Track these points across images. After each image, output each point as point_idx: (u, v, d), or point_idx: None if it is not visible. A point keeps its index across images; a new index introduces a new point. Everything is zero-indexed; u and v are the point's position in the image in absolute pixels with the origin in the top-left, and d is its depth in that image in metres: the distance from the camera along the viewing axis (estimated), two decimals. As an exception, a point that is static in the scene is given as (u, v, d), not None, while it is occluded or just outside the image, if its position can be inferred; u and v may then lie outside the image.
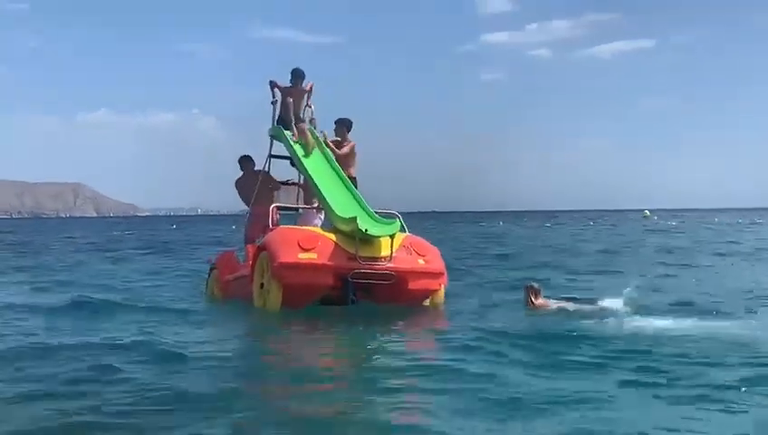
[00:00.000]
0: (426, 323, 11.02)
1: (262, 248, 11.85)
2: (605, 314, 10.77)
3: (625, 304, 11.32)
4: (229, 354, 8.69)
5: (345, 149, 13.34)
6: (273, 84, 13.50)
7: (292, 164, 13.48)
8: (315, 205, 13.18)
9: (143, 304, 12.74)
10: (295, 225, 12.85)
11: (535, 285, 12.05)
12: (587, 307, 11.40)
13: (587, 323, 10.04)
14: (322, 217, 13.01)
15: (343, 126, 13.51)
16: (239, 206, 13.95)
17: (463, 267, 19.19)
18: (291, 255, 11.28)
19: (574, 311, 11.27)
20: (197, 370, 7.66)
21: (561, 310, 11.40)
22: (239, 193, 13.76)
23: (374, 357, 8.72)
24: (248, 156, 13.94)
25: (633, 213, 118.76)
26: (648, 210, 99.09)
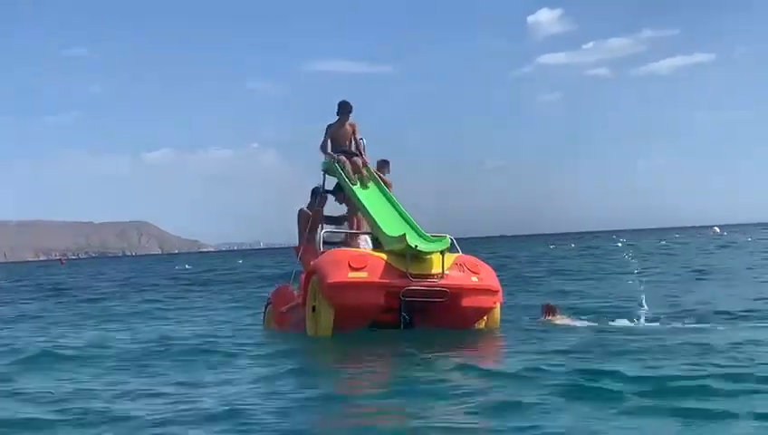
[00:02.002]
0: (481, 349, 10.65)
1: (312, 272, 11.68)
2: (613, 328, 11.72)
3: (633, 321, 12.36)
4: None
5: (387, 180, 13.36)
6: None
7: (338, 200, 13.35)
8: (363, 230, 12.97)
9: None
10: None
11: (552, 304, 13.42)
12: (594, 325, 12.21)
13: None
14: (369, 241, 12.76)
15: (384, 166, 13.54)
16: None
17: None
18: (341, 274, 11.11)
19: (579, 326, 12.22)
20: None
21: (567, 326, 12.34)
22: (298, 220, 13.45)
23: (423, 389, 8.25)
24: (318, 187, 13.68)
25: (702, 229, 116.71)
26: (718, 226, 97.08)
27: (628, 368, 7.88)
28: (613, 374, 7.57)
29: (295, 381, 8.42)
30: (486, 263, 12.26)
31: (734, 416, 5.95)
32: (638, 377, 7.45)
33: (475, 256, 12.38)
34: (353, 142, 13.41)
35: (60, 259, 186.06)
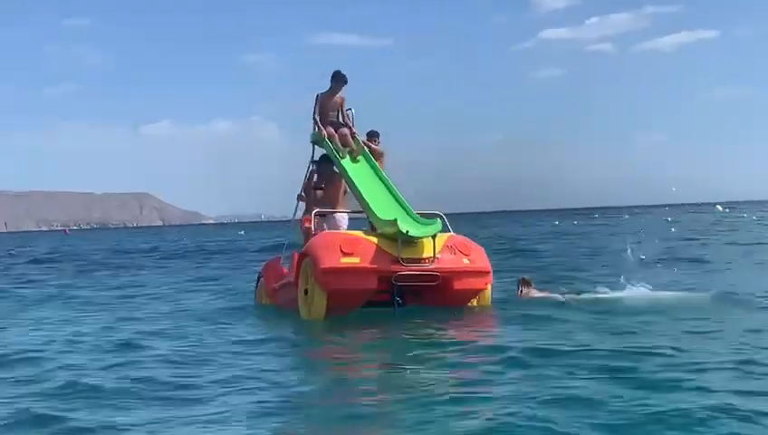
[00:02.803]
0: (469, 327, 10.78)
1: (304, 255, 11.75)
2: (584, 302, 12.12)
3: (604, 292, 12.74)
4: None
5: (378, 149, 13.33)
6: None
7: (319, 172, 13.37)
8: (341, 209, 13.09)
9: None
10: (328, 228, 12.64)
11: (527, 277, 13.52)
12: (569, 296, 12.58)
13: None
14: (346, 218, 12.95)
15: (374, 136, 13.48)
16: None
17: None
18: (333, 259, 11.18)
19: (555, 300, 12.49)
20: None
21: (543, 299, 12.69)
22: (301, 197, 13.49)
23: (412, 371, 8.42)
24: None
25: (704, 206, 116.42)
26: (720, 205, 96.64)
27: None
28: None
29: (282, 364, 8.55)
30: (477, 242, 12.32)
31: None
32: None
33: (473, 236, 12.46)
34: (341, 113, 13.32)
35: (64, 230, 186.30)
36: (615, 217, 70.33)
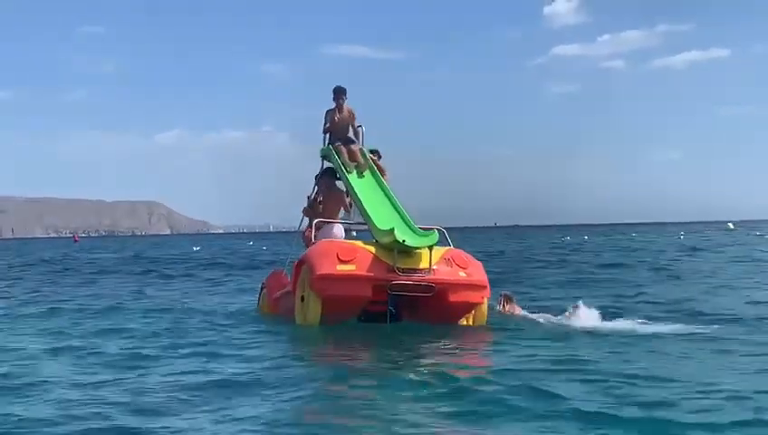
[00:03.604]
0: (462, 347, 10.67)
1: (302, 262, 11.82)
2: (565, 323, 11.97)
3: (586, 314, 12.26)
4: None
5: (381, 166, 13.49)
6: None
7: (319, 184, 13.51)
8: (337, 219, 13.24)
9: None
10: (322, 237, 12.69)
11: (509, 293, 13.56)
12: (551, 318, 12.47)
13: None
14: (342, 229, 13.02)
15: (374, 154, 13.61)
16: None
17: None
18: (329, 267, 11.23)
19: (536, 320, 12.44)
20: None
21: (524, 318, 12.70)
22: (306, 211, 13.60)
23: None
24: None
25: (716, 224, 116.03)
26: (732, 223, 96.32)
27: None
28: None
29: (273, 371, 8.52)
30: (474, 257, 12.30)
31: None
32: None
33: (469, 252, 12.43)
34: (351, 129, 13.55)
35: (74, 236, 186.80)
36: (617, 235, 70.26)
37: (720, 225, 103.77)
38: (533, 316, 12.70)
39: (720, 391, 7.03)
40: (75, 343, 10.81)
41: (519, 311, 13.10)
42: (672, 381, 7.49)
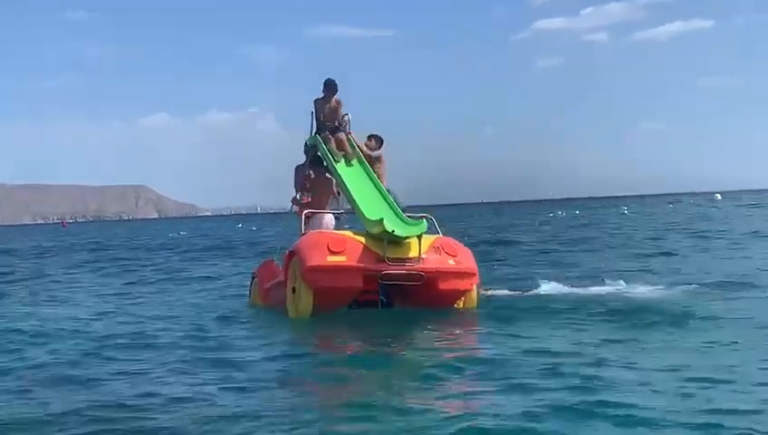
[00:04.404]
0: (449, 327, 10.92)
1: (293, 253, 11.95)
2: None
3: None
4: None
5: (376, 153, 13.53)
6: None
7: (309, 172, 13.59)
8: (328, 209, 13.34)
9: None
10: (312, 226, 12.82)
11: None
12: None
13: None
14: (332, 220, 13.13)
15: (375, 141, 13.71)
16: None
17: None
18: (320, 258, 11.39)
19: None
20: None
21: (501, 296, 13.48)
22: (295, 173, 13.74)
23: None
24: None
25: (703, 195, 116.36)
26: (720, 193, 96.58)
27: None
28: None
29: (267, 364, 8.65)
30: (463, 244, 12.49)
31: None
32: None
33: (456, 237, 12.59)
34: (337, 117, 13.65)
35: (62, 222, 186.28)
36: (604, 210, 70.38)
37: (708, 195, 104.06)
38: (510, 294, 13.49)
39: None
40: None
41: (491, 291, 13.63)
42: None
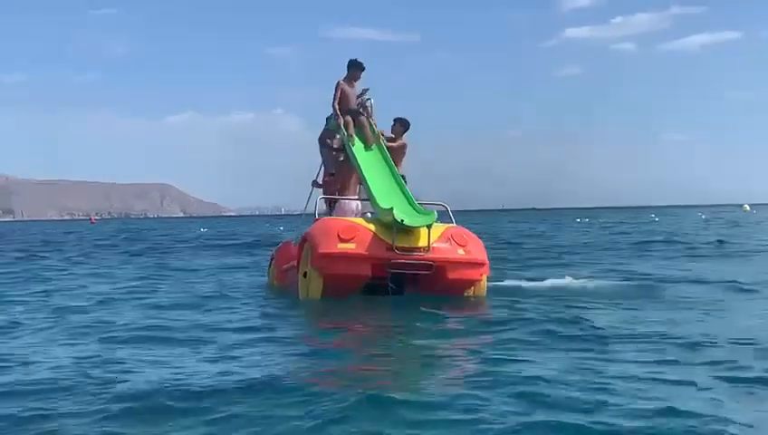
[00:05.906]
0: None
1: (305, 239, 12.13)
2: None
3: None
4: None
5: (397, 144, 13.55)
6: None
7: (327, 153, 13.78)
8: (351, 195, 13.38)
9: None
10: (334, 214, 12.98)
11: None
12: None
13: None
14: (359, 205, 13.20)
15: (401, 125, 13.69)
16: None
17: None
18: (330, 245, 11.54)
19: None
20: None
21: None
22: (322, 148, 13.85)
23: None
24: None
25: (730, 207, 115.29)
26: (748, 205, 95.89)
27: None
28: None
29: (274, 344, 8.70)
30: (475, 234, 12.54)
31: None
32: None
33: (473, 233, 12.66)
34: (360, 102, 13.61)
35: (90, 218, 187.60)
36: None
37: (735, 207, 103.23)
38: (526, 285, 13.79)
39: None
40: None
41: None
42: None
